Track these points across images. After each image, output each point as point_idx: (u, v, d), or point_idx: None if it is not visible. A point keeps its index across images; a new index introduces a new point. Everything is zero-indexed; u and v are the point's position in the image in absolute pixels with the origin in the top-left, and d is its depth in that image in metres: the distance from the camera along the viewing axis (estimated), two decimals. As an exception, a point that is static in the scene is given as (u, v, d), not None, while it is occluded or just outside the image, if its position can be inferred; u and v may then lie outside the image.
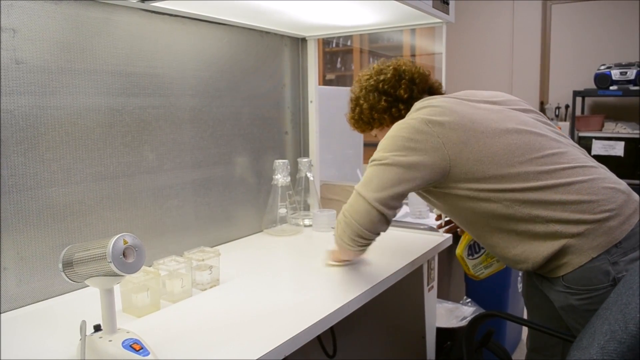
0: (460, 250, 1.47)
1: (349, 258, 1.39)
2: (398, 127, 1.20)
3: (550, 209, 1.11)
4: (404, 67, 1.36)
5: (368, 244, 1.26)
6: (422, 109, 1.21)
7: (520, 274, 2.47)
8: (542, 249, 1.13)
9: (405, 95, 1.32)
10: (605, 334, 0.86)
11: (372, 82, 1.36)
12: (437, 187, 1.21)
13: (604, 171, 1.18)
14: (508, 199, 1.13)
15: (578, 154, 1.19)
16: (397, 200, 1.18)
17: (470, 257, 1.49)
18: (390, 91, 1.34)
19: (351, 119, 1.43)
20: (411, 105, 1.29)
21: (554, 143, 1.17)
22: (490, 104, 1.25)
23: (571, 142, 1.24)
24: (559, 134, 1.24)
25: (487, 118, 1.18)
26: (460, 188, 1.17)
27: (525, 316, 2.57)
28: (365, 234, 1.21)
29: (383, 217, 1.18)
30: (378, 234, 1.24)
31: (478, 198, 1.16)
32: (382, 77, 1.35)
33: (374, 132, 1.42)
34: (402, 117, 1.29)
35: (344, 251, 1.31)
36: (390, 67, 1.37)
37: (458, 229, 1.51)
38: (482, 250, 1.50)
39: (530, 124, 1.20)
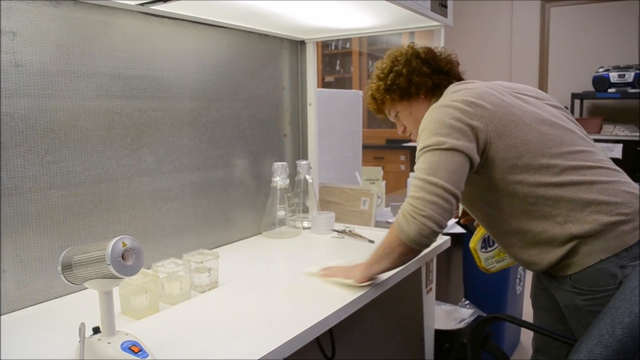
0: (474, 242, 1.48)
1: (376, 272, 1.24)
2: (439, 110, 1.15)
3: (570, 207, 1.11)
4: (436, 51, 1.37)
5: (430, 242, 1.13)
6: (459, 92, 1.20)
7: (519, 276, 2.48)
8: (556, 252, 1.15)
9: (446, 68, 1.32)
10: (593, 337, 0.86)
11: (411, 52, 1.34)
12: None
13: (625, 176, 1.19)
14: (534, 194, 1.13)
15: (602, 156, 1.20)
16: (463, 186, 1.11)
17: (483, 250, 1.50)
18: (431, 61, 1.33)
19: (377, 90, 1.36)
20: (448, 82, 1.29)
21: (582, 141, 1.19)
22: (523, 94, 1.26)
23: (595, 144, 1.25)
24: (585, 135, 1.25)
25: (523, 106, 1.19)
26: (491, 176, 1.16)
27: (524, 318, 2.57)
28: (435, 228, 1.08)
29: (452, 206, 1.08)
30: (444, 228, 1.10)
31: (505, 191, 1.16)
32: (420, 50, 1.35)
33: (399, 106, 1.36)
34: (441, 86, 1.28)
35: (394, 255, 1.17)
36: (424, 47, 1.37)
37: (474, 222, 1.50)
38: (496, 244, 1.51)
39: (563, 119, 1.22)
